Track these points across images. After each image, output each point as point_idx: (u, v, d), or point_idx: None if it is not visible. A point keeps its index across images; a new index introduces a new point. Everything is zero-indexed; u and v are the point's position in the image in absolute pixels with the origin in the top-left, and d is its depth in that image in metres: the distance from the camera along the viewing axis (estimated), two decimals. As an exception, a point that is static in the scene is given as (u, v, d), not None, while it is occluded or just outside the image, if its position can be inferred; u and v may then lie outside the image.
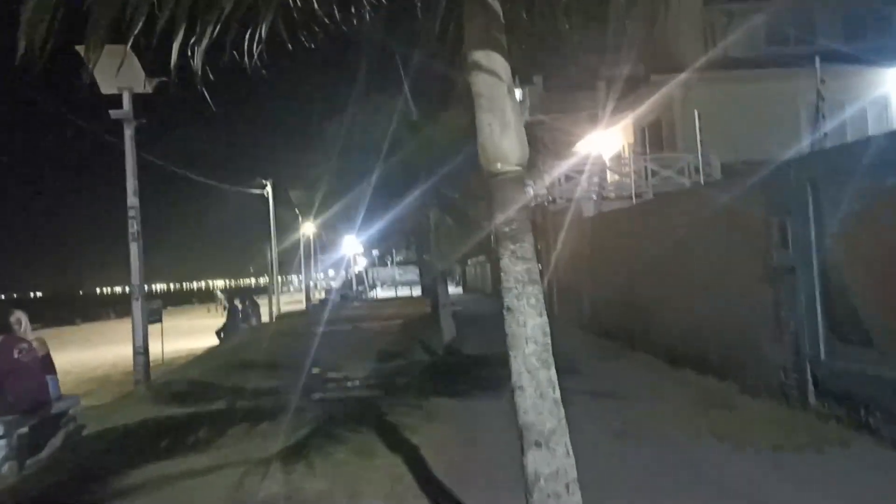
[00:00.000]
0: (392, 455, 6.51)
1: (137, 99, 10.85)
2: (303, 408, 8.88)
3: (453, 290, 39.88)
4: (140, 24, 3.07)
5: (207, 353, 18.21)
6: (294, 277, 73.20)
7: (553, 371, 3.34)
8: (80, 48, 9.66)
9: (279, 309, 36.62)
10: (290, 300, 51.36)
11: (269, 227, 38.99)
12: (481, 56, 3.31)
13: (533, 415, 3.28)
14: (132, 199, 10.70)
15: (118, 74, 10.19)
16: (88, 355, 22.24)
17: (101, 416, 9.27)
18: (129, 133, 10.66)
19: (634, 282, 11.99)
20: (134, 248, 10.74)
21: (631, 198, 17.14)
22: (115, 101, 10.68)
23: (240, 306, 22.69)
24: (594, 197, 16.65)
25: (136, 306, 10.85)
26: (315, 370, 12.45)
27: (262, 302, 36.09)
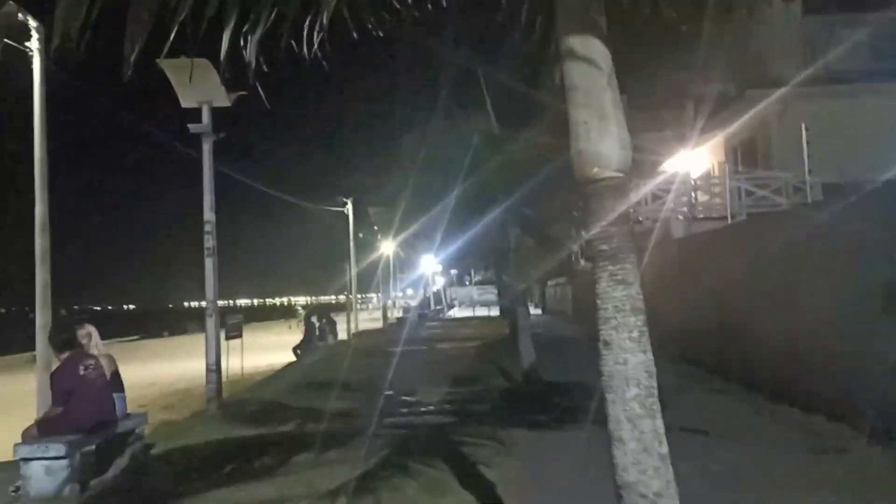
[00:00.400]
0: (465, 493, 5.98)
1: (220, 115, 10.83)
2: (374, 433, 8.45)
3: (532, 311, 39.09)
4: (186, 9, 2.66)
5: (283, 371, 18.12)
6: (374, 295, 73.77)
7: (660, 420, 2.75)
8: (162, 62, 9.47)
9: (357, 326, 36.65)
10: (369, 317, 51.61)
11: (349, 245, 39.27)
12: (577, 42, 2.78)
13: (635, 473, 2.69)
14: (208, 214, 10.59)
15: (196, 87, 10.15)
16: (173, 368, 22.52)
17: (171, 435, 9.09)
18: (206, 147, 10.57)
19: (730, 307, 11.10)
20: (209, 264, 10.61)
21: (722, 219, 16.15)
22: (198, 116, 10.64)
23: (316, 323, 22.66)
24: (681, 217, 15.70)
25: (210, 323, 10.69)
26: (388, 392, 12.06)
27: (341, 319, 36.31)
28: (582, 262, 36.56)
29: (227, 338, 17.65)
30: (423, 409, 10.39)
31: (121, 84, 2.90)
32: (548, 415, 9.15)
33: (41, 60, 10.87)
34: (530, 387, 10.89)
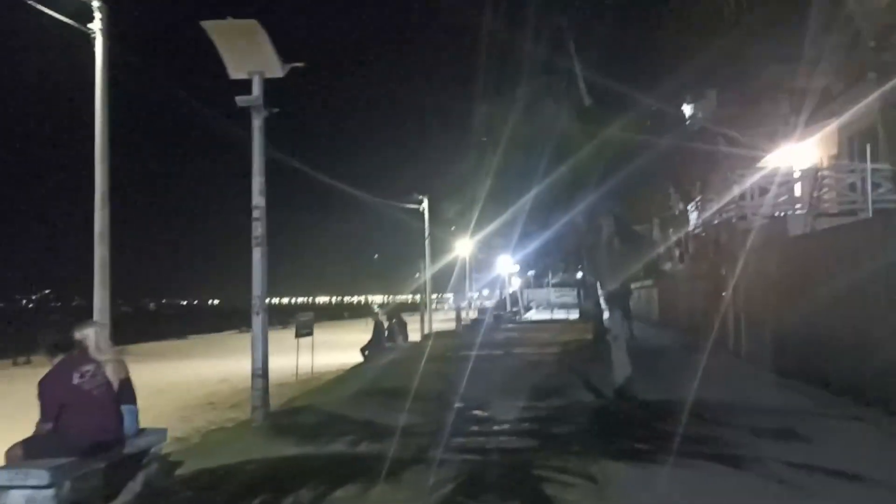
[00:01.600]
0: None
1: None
2: (438, 459, 7.02)
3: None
4: None
5: (348, 374, 16.92)
6: (451, 295, 72.49)
7: None
8: (208, 25, 8.08)
9: (431, 327, 35.31)
10: (444, 318, 50.22)
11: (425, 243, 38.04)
12: None
13: None
14: (258, 199, 9.37)
15: (245, 55, 8.96)
16: (238, 365, 21.71)
17: (204, 451, 7.89)
18: (257, 123, 9.36)
19: (872, 317, 9.17)
20: (257, 255, 9.38)
21: (848, 214, 13.98)
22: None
23: (386, 323, 21.43)
24: (799, 212, 13.54)
25: (257, 322, 9.45)
26: (459, 405, 10.63)
27: (415, 319, 35.12)
28: (668, 264, 34.32)
29: (298, 335, 17.63)
30: (496, 427, 8.90)
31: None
32: (649, 443, 7.51)
33: (103, 42, 9.99)
34: (624, 406, 9.18)
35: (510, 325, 37.52)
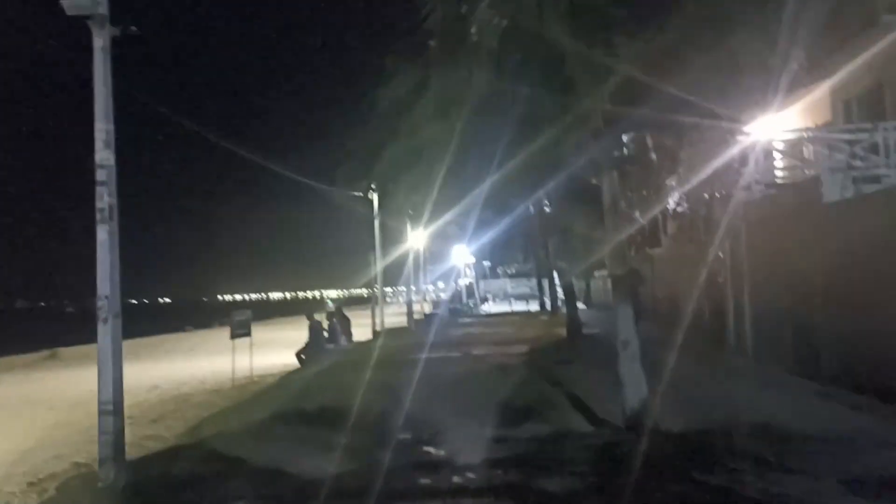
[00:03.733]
0: None
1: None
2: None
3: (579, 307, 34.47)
4: None
5: (275, 385, 13.93)
6: (404, 288, 69.77)
7: None
8: None
9: (383, 323, 32.17)
10: (398, 311, 47.19)
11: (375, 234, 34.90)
12: None
13: None
14: (103, 154, 6.38)
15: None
16: (159, 369, 19.63)
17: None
18: (99, 43, 6.36)
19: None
20: (103, 234, 6.37)
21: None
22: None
23: (324, 324, 18.36)
24: (833, 174, 10.79)
25: (105, 333, 6.44)
26: (403, 436, 7.83)
27: (365, 315, 32.14)
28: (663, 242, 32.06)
29: (233, 336, 15.72)
30: (456, 479, 6.08)
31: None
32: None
33: None
34: (644, 443, 6.32)
35: (467, 319, 34.79)
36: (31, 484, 7.06)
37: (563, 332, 19.25)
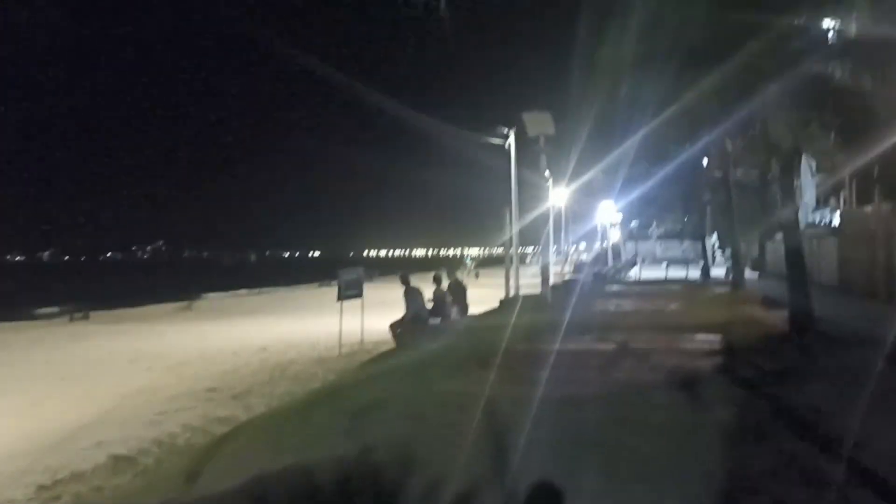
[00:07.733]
0: None
1: None
2: None
3: (748, 274, 28.82)
4: None
5: (327, 391, 10.28)
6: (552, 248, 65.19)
7: None
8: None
9: (517, 288, 28.00)
10: (535, 274, 42.99)
11: (511, 187, 30.72)
12: None
13: None
14: None
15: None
16: (277, 328, 19.96)
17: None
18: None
19: None
20: None
21: None
22: None
23: (430, 289, 14.50)
24: None
25: None
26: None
27: (498, 276, 28.48)
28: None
29: (341, 297, 15.02)
30: None
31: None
32: None
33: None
34: None
35: (615, 288, 29.99)
36: (41, 488, 6.18)
37: (761, 314, 14.43)
